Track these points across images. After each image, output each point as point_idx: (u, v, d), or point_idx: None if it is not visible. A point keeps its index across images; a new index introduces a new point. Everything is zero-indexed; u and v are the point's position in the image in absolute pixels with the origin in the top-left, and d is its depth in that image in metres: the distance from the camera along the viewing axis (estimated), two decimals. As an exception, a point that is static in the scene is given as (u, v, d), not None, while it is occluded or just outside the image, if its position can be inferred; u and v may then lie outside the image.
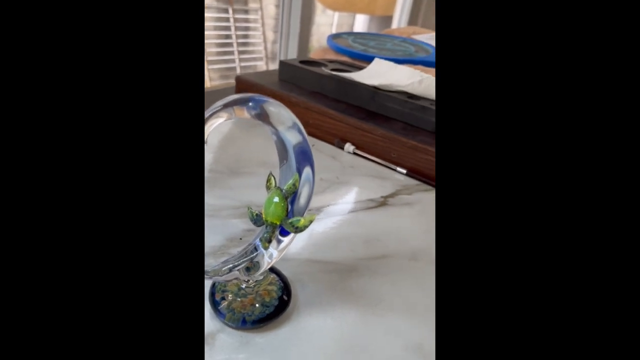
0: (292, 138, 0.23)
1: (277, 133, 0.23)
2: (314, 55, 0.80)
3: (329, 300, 0.29)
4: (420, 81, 0.55)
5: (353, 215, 0.40)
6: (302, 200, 0.24)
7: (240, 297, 0.27)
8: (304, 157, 0.23)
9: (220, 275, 0.25)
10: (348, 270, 0.33)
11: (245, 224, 0.36)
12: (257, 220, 0.24)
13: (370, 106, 0.56)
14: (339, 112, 0.55)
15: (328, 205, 0.41)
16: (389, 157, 0.51)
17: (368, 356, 0.25)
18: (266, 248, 0.24)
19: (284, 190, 0.23)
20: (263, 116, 0.21)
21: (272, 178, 0.24)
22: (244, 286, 0.27)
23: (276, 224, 0.23)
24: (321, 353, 0.25)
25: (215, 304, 0.26)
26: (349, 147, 0.54)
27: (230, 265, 0.26)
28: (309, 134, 0.58)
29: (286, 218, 0.23)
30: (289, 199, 0.23)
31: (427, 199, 0.45)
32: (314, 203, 0.41)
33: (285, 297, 0.27)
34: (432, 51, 0.79)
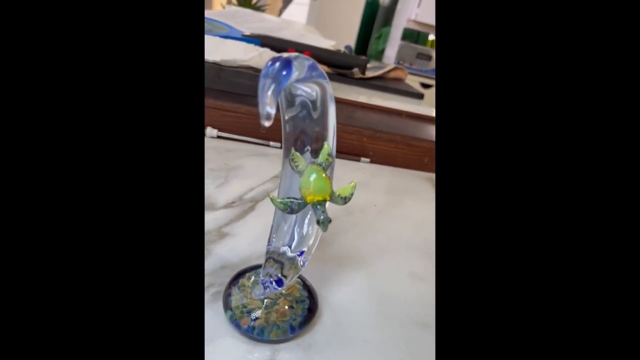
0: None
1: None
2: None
3: (331, 272, 0.29)
4: (260, 54, 0.54)
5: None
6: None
7: (272, 308, 0.22)
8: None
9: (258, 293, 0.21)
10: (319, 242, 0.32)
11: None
12: (296, 205, 0.20)
13: (217, 84, 0.52)
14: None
15: (244, 194, 0.38)
16: (258, 134, 0.50)
17: (392, 294, 0.28)
18: (326, 229, 0.21)
19: (322, 164, 0.21)
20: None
21: (298, 156, 0.21)
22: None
23: (326, 199, 0.21)
24: (371, 315, 0.25)
25: (250, 331, 0.21)
26: (211, 131, 0.48)
27: (264, 279, 0.21)
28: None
29: (333, 191, 0.21)
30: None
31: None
32: (231, 196, 0.37)
33: (308, 285, 0.25)
34: (229, 29, 0.78)
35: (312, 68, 0.18)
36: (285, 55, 0.17)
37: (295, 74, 0.17)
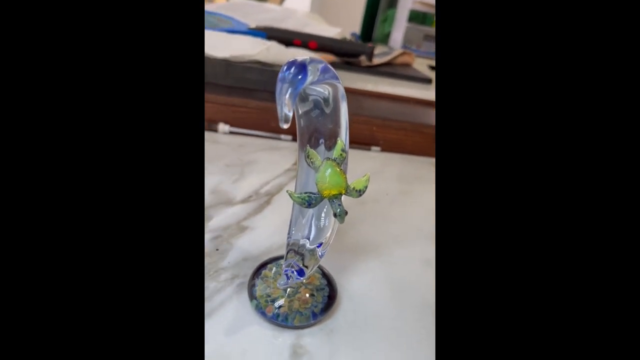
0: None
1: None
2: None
3: (348, 261, 0.30)
4: (267, 48, 0.55)
5: (291, 187, 0.40)
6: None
7: (294, 296, 0.24)
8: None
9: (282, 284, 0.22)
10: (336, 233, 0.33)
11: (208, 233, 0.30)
12: (313, 200, 0.21)
13: (226, 80, 0.53)
14: (201, 91, 0.49)
15: (260, 188, 0.39)
16: (269, 128, 0.51)
17: (408, 281, 0.29)
18: (343, 221, 0.22)
19: (336, 159, 0.22)
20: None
21: (313, 152, 0.22)
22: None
23: (342, 193, 0.22)
24: (387, 301, 0.26)
25: (274, 318, 0.23)
26: (223, 127, 0.49)
27: (288, 270, 0.23)
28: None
29: (348, 185, 0.22)
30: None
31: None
32: (248, 191, 0.38)
33: (327, 274, 0.26)
34: (233, 22, 0.79)
35: (324, 71, 0.19)
36: (299, 59, 0.18)
37: (310, 78, 0.18)
